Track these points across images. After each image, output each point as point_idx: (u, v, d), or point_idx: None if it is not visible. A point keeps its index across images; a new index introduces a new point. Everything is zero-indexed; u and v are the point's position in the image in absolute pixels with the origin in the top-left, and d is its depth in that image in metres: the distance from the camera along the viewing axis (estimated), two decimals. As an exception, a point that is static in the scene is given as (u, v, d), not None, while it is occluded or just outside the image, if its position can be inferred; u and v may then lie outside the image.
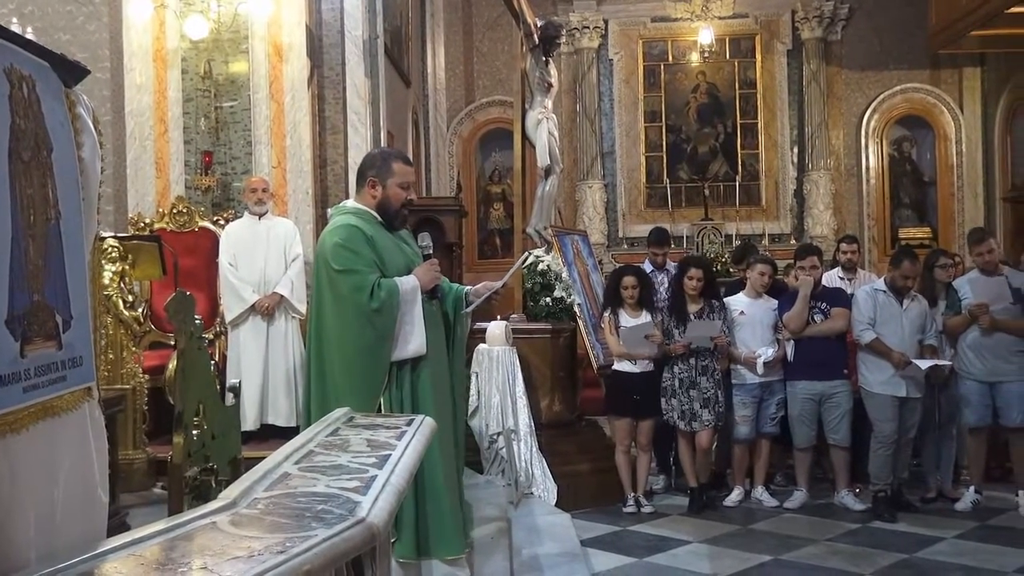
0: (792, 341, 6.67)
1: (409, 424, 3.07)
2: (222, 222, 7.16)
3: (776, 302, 6.86)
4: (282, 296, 6.54)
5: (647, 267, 7.80)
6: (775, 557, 5.60)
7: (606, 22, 14.55)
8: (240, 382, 4.33)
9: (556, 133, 7.66)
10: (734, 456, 6.89)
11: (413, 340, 4.02)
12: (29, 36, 3.99)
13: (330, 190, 8.03)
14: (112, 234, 5.91)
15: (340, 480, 2.28)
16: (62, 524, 2.00)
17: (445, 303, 4.35)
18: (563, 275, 7.12)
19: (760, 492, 6.79)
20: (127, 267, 5.64)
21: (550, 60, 7.64)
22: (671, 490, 7.13)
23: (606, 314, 6.82)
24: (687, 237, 13.80)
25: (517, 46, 7.69)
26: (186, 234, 7.16)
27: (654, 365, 6.68)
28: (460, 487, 4.44)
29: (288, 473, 2.35)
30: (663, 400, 6.64)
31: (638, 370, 6.66)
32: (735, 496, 6.78)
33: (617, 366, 6.78)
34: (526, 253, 5.88)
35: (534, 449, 6.30)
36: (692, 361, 6.60)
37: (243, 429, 4.83)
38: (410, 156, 8.40)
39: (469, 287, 4.50)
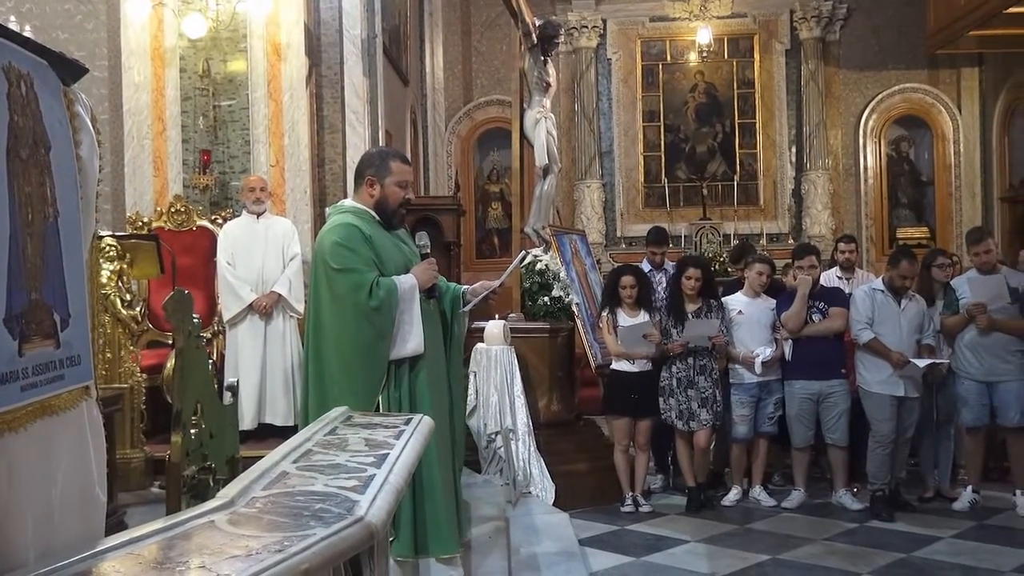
0: (790, 341, 6.67)
1: (407, 423, 3.07)
2: (220, 221, 7.16)
3: (774, 302, 6.86)
4: (280, 295, 6.54)
5: (645, 267, 7.81)
6: (773, 556, 5.60)
7: (604, 22, 14.55)
8: (238, 381, 4.33)
9: (554, 132, 7.66)
10: (732, 455, 6.89)
11: (412, 339, 4.02)
12: (27, 34, 3.99)
13: (328, 189, 8.03)
14: (110, 233, 5.91)
15: (338, 479, 2.28)
16: (60, 523, 2.00)
17: (443, 302, 4.35)
18: (561, 274, 7.12)
19: (758, 491, 6.79)
20: (125, 266, 5.64)
21: (548, 59, 7.64)
22: (669, 489, 7.13)
23: (604, 313, 6.83)
24: (685, 237, 13.80)
25: (515, 45, 7.69)
26: (184, 233, 7.16)
27: (652, 365, 6.68)
28: (458, 486, 4.44)
29: (286, 472, 2.35)
30: (661, 400, 6.64)
31: (636, 369, 6.67)
32: (733, 495, 6.79)
33: (615, 365, 6.78)
34: (523, 252, 5.88)
35: (532, 448, 6.31)
36: (690, 360, 6.60)
37: (241, 428, 4.83)
38: (408, 155, 8.41)
39: (466, 286, 4.50)
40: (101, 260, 5.41)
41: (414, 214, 7.50)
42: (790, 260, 7.33)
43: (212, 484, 3.21)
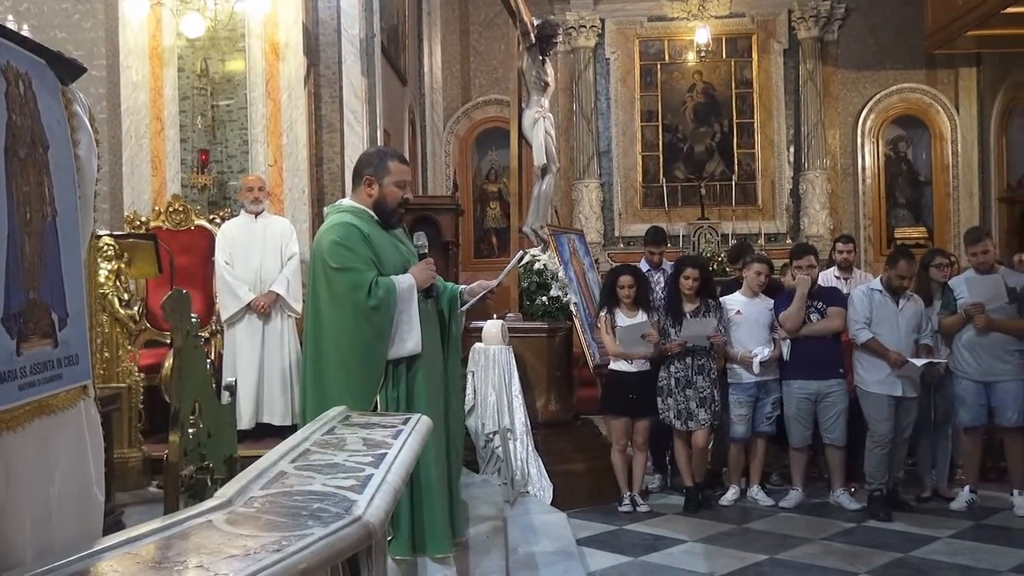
0: (788, 340, 6.67)
1: (405, 423, 3.07)
2: (218, 220, 7.15)
3: (772, 301, 6.87)
4: (278, 295, 6.53)
5: (643, 266, 7.82)
6: (771, 556, 5.60)
7: (603, 21, 14.56)
8: (236, 381, 4.33)
9: (553, 132, 7.66)
10: (730, 455, 6.90)
11: (410, 339, 4.02)
12: (25, 33, 3.98)
13: (326, 189, 8.03)
14: (108, 232, 5.90)
15: (336, 479, 2.28)
16: (58, 522, 2.00)
17: (440, 302, 4.35)
18: (559, 274, 7.13)
19: (756, 491, 6.79)
20: (123, 265, 5.64)
21: (547, 59, 7.63)
22: (667, 489, 7.13)
23: (602, 313, 6.83)
24: (683, 236, 13.81)
25: (514, 45, 7.69)
26: (182, 232, 7.15)
27: (650, 364, 6.68)
28: (457, 486, 4.44)
29: (284, 472, 2.35)
30: (659, 400, 6.64)
31: (634, 369, 6.67)
32: (731, 495, 6.79)
33: (613, 365, 6.78)
34: (521, 252, 5.88)
35: (530, 448, 6.31)
36: (688, 360, 6.61)
37: (239, 428, 4.83)
38: (406, 155, 8.40)
39: (464, 286, 4.50)
40: (99, 259, 5.41)
41: (412, 213, 7.49)
42: (788, 260, 7.33)
43: (210, 484, 3.21)
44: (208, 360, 3.85)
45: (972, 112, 14.16)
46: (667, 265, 7.87)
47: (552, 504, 6.12)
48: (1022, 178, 13.02)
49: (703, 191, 14.26)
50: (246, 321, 6.53)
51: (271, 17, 7.47)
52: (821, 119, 14.26)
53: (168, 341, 6.25)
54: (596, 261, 10.59)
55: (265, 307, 6.50)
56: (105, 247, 5.50)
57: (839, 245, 8.23)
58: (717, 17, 14.44)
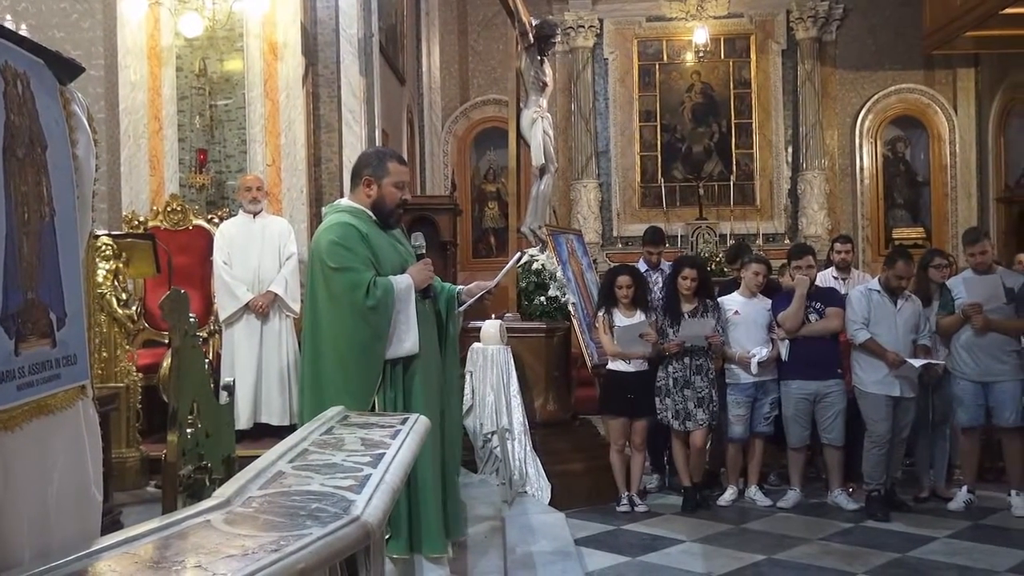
0: (787, 341, 6.68)
1: (403, 423, 3.07)
2: (216, 220, 7.15)
3: (770, 301, 6.87)
4: (276, 295, 6.53)
5: (642, 266, 7.82)
6: (768, 556, 5.61)
7: (601, 21, 14.56)
8: (234, 381, 4.32)
9: (551, 132, 7.67)
10: (728, 455, 6.90)
11: (407, 339, 4.02)
12: (23, 33, 3.98)
13: (324, 188, 8.02)
14: (106, 232, 5.89)
15: (334, 479, 2.28)
16: (56, 522, 1.99)
17: (438, 302, 4.35)
18: (558, 274, 7.12)
19: (754, 491, 6.80)
20: (121, 265, 5.63)
21: (545, 59, 7.64)
22: (665, 489, 7.14)
23: (600, 313, 6.83)
24: (681, 236, 13.81)
25: (512, 45, 7.69)
26: (180, 232, 7.14)
27: (648, 364, 6.69)
28: (454, 487, 4.43)
29: (282, 472, 2.35)
30: (657, 400, 6.64)
31: (632, 369, 6.67)
32: (729, 495, 6.79)
33: (611, 365, 6.79)
34: (519, 253, 5.88)
35: (528, 448, 6.31)
36: (686, 360, 6.61)
37: (237, 428, 4.82)
38: (405, 155, 8.40)
39: (461, 287, 4.50)
40: (97, 259, 5.40)
41: (410, 213, 7.48)
42: (786, 260, 7.33)
43: (208, 484, 3.21)
44: (206, 360, 3.85)
45: (970, 113, 14.17)
46: (665, 265, 7.87)
47: (550, 504, 6.12)
48: (1020, 178, 13.03)
49: (701, 191, 14.26)
50: (244, 321, 6.52)
51: (269, 17, 7.47)
52: (819, 119, 14.27)
53: (166, 341, 6.24)
54: (594, 261, 10.58)
55: (263, 307, 6.49)
56: (103, 247, 5.49)
57: (837, 245, 8.24)
58: (715, 17, 14.44)
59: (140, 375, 5.82)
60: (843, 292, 7.08)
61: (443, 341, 4.40)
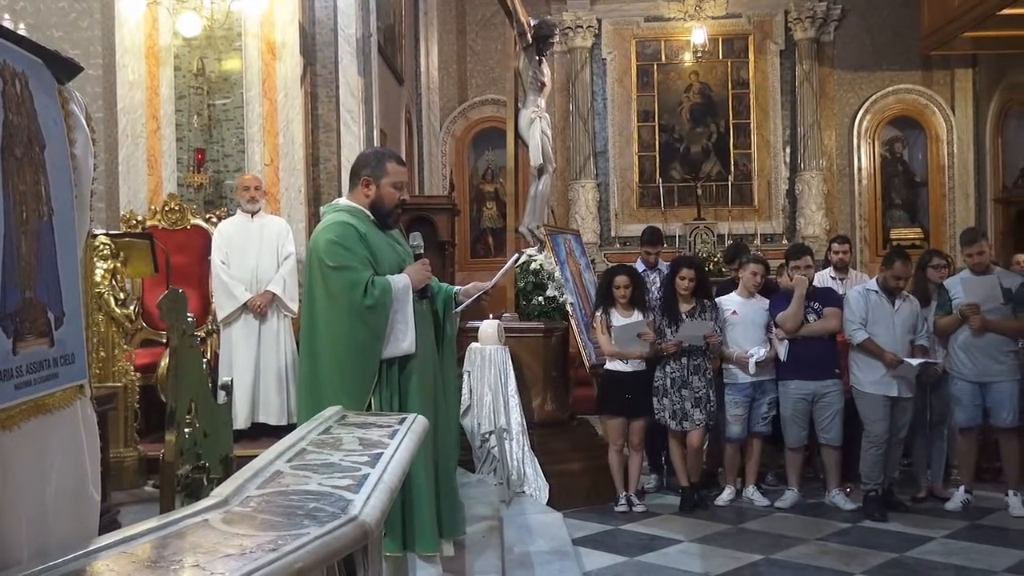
0: (786, 341, 6.68)
1: (401, 423, 3.07)
2: (214, 220, 7.15)
3: (768, 302, 6.87)
4: (274, 294, 6.53)
5: (639, 266, 7.82)
6: (766, 556, 5.61)
7: (599, 21, 14.57)
8: (232, 380, 4.33)
9: (549, 132, 7.67)
10: (726, 455, 6.90)
11: (405, 338, 4.02)
12: (22, 32, 3.98)
13: (323, 188, 8.02)
14: (104, 231, 5.89)
15: (332, 478, 2.28)
16: (54, 522, 1.99)
17: (435, 302, 4.35)
18: (556, 274, 7.12)
19: (751, 491, 6.80)
20: (119, 264, 5.62)
21: (543, 59, 7.64)
22: (663, 489, 7.14)
23: (598, 313, 6.83)
24: (679, 237, 13.82)
25: (510, 45, 7.70)
26: (178, 232, 7.14)
27: (646, 364, 6.69)
28: (454, 485, 4.43)
29: (280, 471, 2.35)
30: (655, 400, 6.64)
31: (630, 369, 6.67)
32: (726, 495, 6.80)
33: (609, 365, 6.79)
34: (516, 254, 5.89)
35: (526, 448, 6.31)
36: (684, 360, 6.61)
37: (235, 428, 4.83)
38: (403, 155, 8.40)
39: (459, 287, 4.51)
40: (95, 258, 5.39)
41: (408, 213, 7.49)
42: (784, 260, 7.34)
43: (206, 483, 3.21)
44: (204, 360, 3.85)
45: (968, 113, 14.19)
46: (663, 265, 7.87)
47: (548, 504, 6.12)
48: (1018, 179, 13.04)
49: (699, 191, 14.27)
50: (242, 321, 6.52)
51: (267, 16, 7.47)
52: (817, 120, 14.28)
53: (164, 340, 6.23)
54: (592, 261, 10.59)
55: (261, 307, 6.49)
56: (101, 246, 5.49)
57: (835, 246, 8.24)
58: (714, 18, 14.45)
59: (138, 375, 5.81)
60: (841, 292, 7.08)
61: (441, 341, 4.40)
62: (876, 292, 6.55)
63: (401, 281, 4.05)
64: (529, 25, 7.41)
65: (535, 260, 7.02)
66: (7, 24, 5.84)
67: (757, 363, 6.64)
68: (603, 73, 14.67)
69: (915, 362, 6.38)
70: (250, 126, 7.49)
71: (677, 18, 14.50)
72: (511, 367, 6.38)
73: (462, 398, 6.22)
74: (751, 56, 14.57)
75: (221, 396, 3.83)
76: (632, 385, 6.66)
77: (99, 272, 5.45)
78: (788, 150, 14.50)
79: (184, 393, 3.27)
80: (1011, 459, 6.55)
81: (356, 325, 3.98)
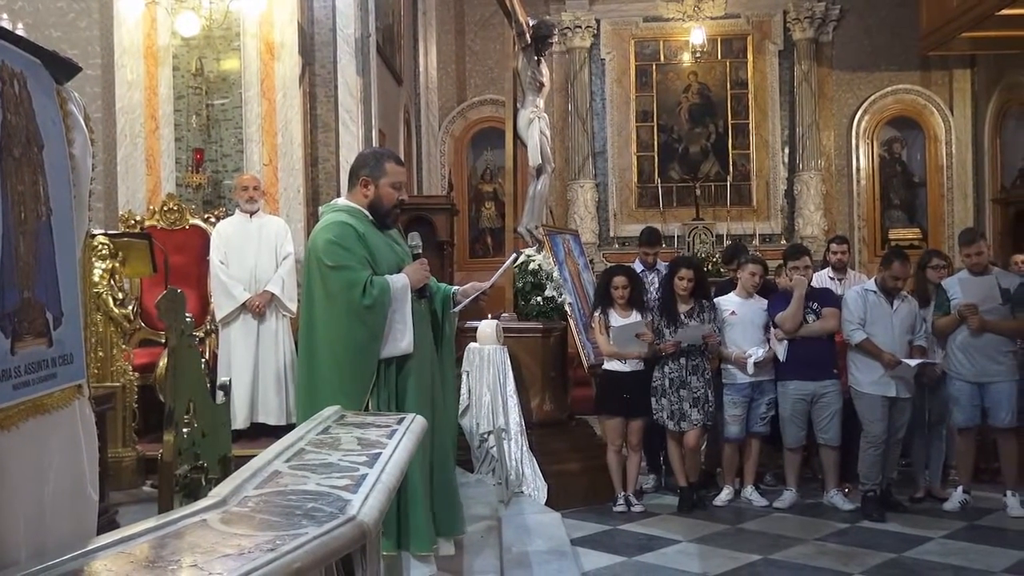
0: (785, 341, 6.68)
1: (400, 423, 3.07)
2: (213, 220, 7.14)
3: (766, 302, 6.88)
4: (273, 294, 6.53)
5: (638, 267, 7.82)
6: (764, 556, 5.61)
7: (598, 22, 14.57)
8: (230, 380, 4.32)
9: (548, 132, 7.67)
10: (724, 455, 6.91)
11: (403, 338, 4.03)
12: (20, 32, 3.98)
13: (321, 188, 8.02)
14: (103, 231, 5.89)
15: (331, 478, 2.28)
16: (52, 522, 1.99)
17: (434, 302, 4.36)
18: (554, 274, 7.12)
19: (750, 492, 6.80)
20: (117, 264, 5.62)
21: (542, 59, 7.64)
22: (661, 489, 7.15)
23: (596, 314, 6.83)
24: (678, 237, 13.82)
25: (509, 45, 7.70)
26: (177, 232, 7.14)
27: (644, 364, 6.69)
28: (452, 485, 4.43)
29: (278, 471, 2.35)
30: (653, 400, 6.65)
31: (628, 369, 6.67)
32: (725, 495, 6.80)
33: (607, 365, 6.79)
34: (514, 254, 5.88)
35: (524, 448, 6.31)
36: (683, 360, 6.61)
37: (233, 427, 4.83)
38: (402, 155, 8.40)
39: (457, 287, 4.51)
40: (94, 258, 5.39)
41: (407, 213, 7.49)
42: (782, 261, 7.34)
43: (204, 483, 3.21)
44: (203, 360, 3.85)
45: (966, 114, 14.19)
46: (661, 266, 7.87)
47: (546, 504, 6.12)
48: (1016, 179, 13.05)
49: (698, 192, 14.27)
50: (241, 321, 6.52)
51: (266, 16, 7.47)
52: (816, 120, 14.28)
53: (163, 340, 6.23)
54: (591, 261, 10.60)
55: (260, 307, 6.49)
56: (100, 246, 5.49)
57: (833, 246, 8.24)
58: (712, 18, 14.46)
59: (136, 375, 5.81)
60: (839, 293, 7.09)
61: (439, 341, 4.40)
62: (874, 292, 6.55)
63: (399, 281, 4.05)
64: (528, 25, 7.41)
65: (534, 260, 7.02)
66: (5, 24, 5.83)
67: (755, 363, 6.64)
68: (602, 73, 14.67)
69: (913, 362, 6.39)
70: (249, 126, 7.49)
71: (676, 18, 14.50)
72: (509, 367, 6.38)
73: (461, 398, 6.22)
74: (750, 56, 14.57)
75: (219, 396, 3.83)
76: (630, 385, 6.66)
77: (98, 272, 5.44)
78: (787, 150, 14.51)
79: (182, 393, 3.28)
80: (1009, 459, 6.56)
81: (354, 325, 3.98)
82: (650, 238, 8.24)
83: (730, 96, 14.59)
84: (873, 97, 14.42)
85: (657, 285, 7.46)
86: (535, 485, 6.24)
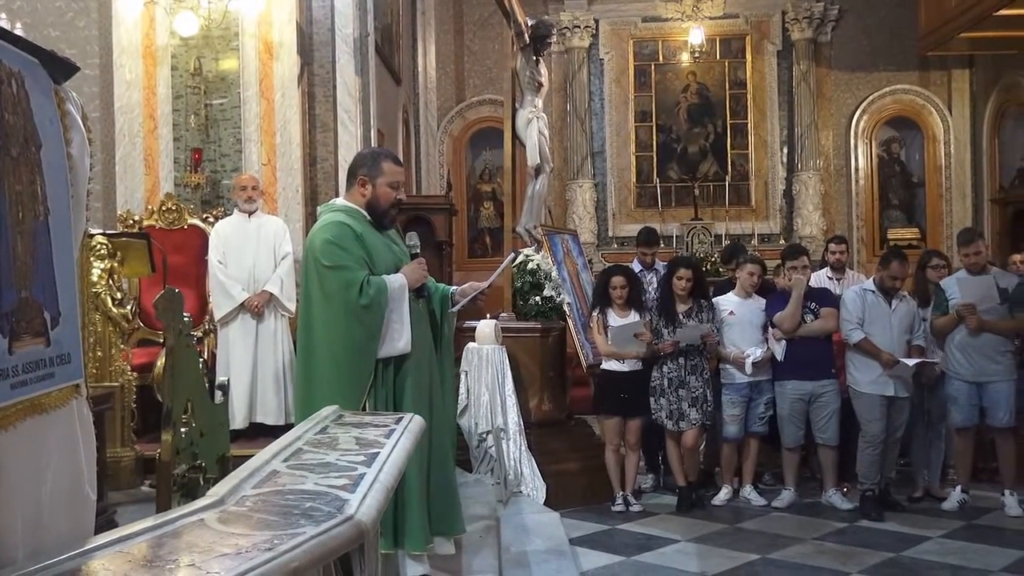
0: (783, 341, 6.68)
1: (398, 422, 3.07)
2: (211, 220, 7.14)
3: (765, 302, 6.88)
4: (272, 294, 6.53)
5: (636, 267, 7.81)
6: (763, 556, 5.62)
7: (597, 22, 14.57)
8: (229, 380, 4.33)
9: (546, 132, 7.66)
10: (723, 455, 6.91)
11: (401, 338, 4.03)
12: (18, 32, 3.98)
13: (320, 188, 8.02)
14: (101, 231, 5.88)
15: (328, 478, 2.28)
16: (50, 521, 2.00)
17: (432, 302, 4.36)
18: (553, 274, 7.13)
19: (748, 491, 6.80)
20: (116, 264, 5.62)
21: (540, 59, 7.64)
22: (660, 489, 7.15)
23: (595, 313, 6.84)
24: (676, 237, 13.82)
25: (508, 45, 7.69)
26: (175, 231, 7.14)
27: (643, 364, 6.69)
28: (451, 484, 4.43)
29: (276, 471, 2.35)
30: (652, 399, 6.65)
31: (626, 369, 6.67)
32: (723, 495, 6.80)
33: (605, 365, 6.79)
34: (512, 254, 5.88)
35: (523, 448, 6.31)
36: (681, 360, 6.62)
37: (231, 427, 4.82)
38: (400, 154, 8.40)
39: (455, 287, 4.51)
40: (92, 258, 5.39)
41: (406, 213, 7.50)
42: (780, 261, 7.34)
43: (202, 483, 3.22)
44: (201, 359, 3.85)
45: (965, 114, 14.20)
46: (660, 265, 7.87)
47: (545, 504, 6.12)
48: (1014, 179, 13.05)
49: (697, 192, 14.27)
50: (239, 320, 6.52)
51: (265, 16, 7.47)
52: (814, 120, 14.29)
53: (161, 340, 6.23)
54: (589, 261, 10.60)
55: (259, 307, 6.49)
56: (98, 246, 5.48)
57: (832, 246, 8.24)
58: (711, 18, 14.46)
59: (135, 374, 5.81)
60: (838, 293, 7.09)
61: (438, 341, 4.40)
62: (873, 292, 6.56)
63: (397, 280, 4.06)
64: (526, 25, 7.41)
65: (532, 260, 7.02)
66: (3, 23, 5.84)
67: (754, 363, 6.65)
68: (600, 73, 14.67)
69: (911, 362, 6.39)
70: (247, 126, 7.49)
71: (675, 18, 14.50)
72: (508, 367, 6.38)
73: (459, 398, 6.22)
74: (748, 56, 14.57)
75: (218, 396, 3.84)
76: (628, 385, 6.66)
77: (96, 272, 5.44)
78: (785, 150, 14.51)
79: (180, 393, 3.28)
80: (1007, 459, 6.56)
81: (352, 325, 3.98)
82: (648, 238, 8.24)
83: (729, 96, 14.59)
84: (872, 97, 14.42)
85: (656, 285, 7.46)
86: (534, 485, 6.24)
